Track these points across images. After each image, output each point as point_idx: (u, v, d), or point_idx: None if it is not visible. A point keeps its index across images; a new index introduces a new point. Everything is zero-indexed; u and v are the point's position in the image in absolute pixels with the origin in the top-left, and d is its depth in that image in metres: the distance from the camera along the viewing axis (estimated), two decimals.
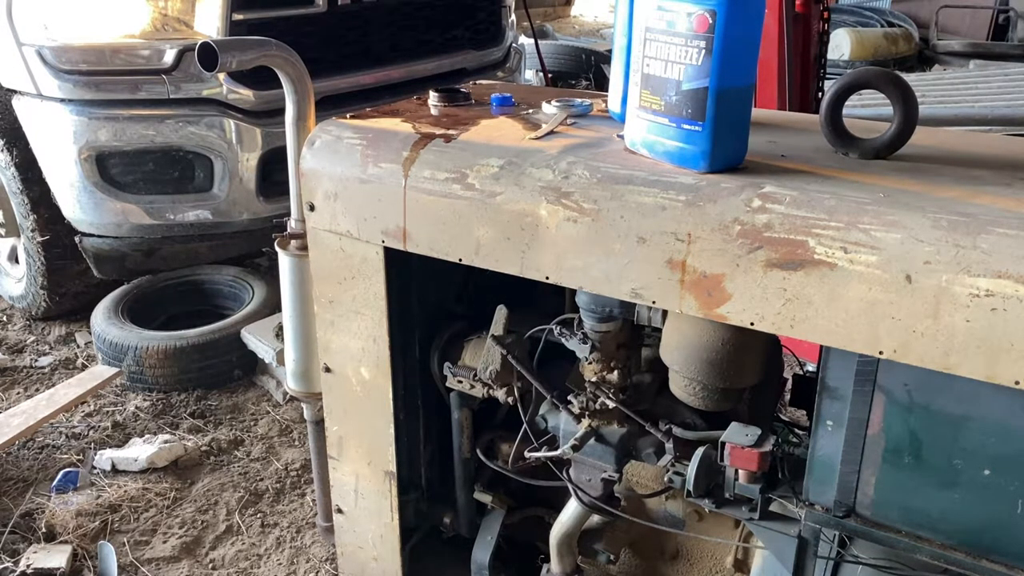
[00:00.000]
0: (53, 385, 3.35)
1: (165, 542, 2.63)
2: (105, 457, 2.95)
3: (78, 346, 3.80)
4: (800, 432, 1.81)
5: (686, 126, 1.33)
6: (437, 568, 2.08)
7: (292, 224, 1.99)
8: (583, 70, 7.89)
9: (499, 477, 1.94)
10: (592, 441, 1.67)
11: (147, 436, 3.10)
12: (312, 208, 1.70)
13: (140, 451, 2.96)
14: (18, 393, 3.44)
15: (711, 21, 1.25)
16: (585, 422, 1.66)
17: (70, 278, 3.79)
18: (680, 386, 1.55)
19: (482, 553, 1.97)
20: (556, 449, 1.71)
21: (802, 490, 1.45)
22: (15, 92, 3.45)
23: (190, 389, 3.38)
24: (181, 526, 2.70)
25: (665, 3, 1.31)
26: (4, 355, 3.70)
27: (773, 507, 1.50)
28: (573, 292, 1.62)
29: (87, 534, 2.63)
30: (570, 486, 1.75)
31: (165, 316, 3.80)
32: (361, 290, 1.72)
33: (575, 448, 1.66)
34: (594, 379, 1.64)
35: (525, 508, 2.02)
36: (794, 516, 1.47)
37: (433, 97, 1.87)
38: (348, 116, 1.76)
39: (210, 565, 2.56)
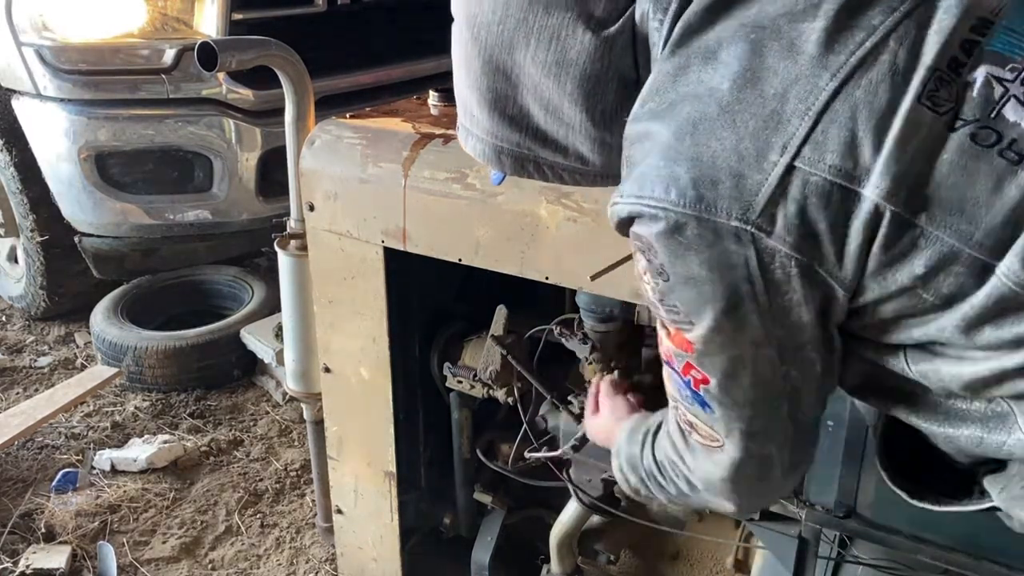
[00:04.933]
0: (52, 385, 3.35)
1: (164, 542, 2.63)
2: (104, 457, 2.94)
3: (77, 346, 3.80)
4: None
5: None
6: (437, 568, 2.08)
7: (292, 224, 1.99)
8: None
9: (499, 477, 1.94)
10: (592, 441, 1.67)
11: (146, 436, 3.09)
12: (312, 208, 1.70)
13: (139, 451, 2.95)
14: (17, 393, 3.43)
15: None
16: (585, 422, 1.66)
17: (69, 278, 3.78)
18: None
19: (482, 553, 1.97)
20: (556, 449, 1.71)
21: (802, 490, 1.45)
22: (14, 92, 3.44)
23: (190, 389, 3.38)
24: (180, 526, 2.69)
25: None
26: (3, 355, 3.70)
27: (773, 507, 1.50)
28: (573, 292, 1.62)
29: (87, 534, 2.63)
30: (570, 486, 1.75)
31: (165, 316, 3.80)
32: (361, 290, 1.72)
33: (575, 448, 1.66)
34: (594, 379, 1.64)
35: (525, 508, 2.02)
36: (794, 516, 1.47)
37: (433, 97, 1.87)
38: (348, 116, 1.76)
39: (209, 565, 2.56)
